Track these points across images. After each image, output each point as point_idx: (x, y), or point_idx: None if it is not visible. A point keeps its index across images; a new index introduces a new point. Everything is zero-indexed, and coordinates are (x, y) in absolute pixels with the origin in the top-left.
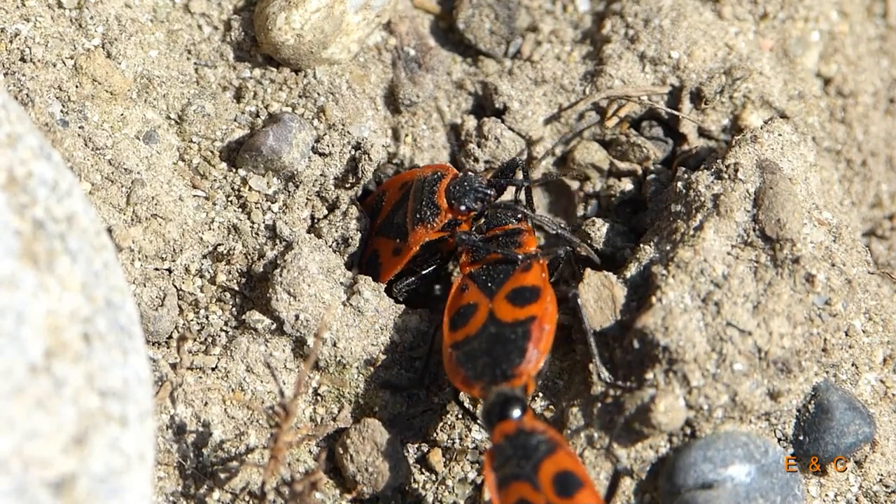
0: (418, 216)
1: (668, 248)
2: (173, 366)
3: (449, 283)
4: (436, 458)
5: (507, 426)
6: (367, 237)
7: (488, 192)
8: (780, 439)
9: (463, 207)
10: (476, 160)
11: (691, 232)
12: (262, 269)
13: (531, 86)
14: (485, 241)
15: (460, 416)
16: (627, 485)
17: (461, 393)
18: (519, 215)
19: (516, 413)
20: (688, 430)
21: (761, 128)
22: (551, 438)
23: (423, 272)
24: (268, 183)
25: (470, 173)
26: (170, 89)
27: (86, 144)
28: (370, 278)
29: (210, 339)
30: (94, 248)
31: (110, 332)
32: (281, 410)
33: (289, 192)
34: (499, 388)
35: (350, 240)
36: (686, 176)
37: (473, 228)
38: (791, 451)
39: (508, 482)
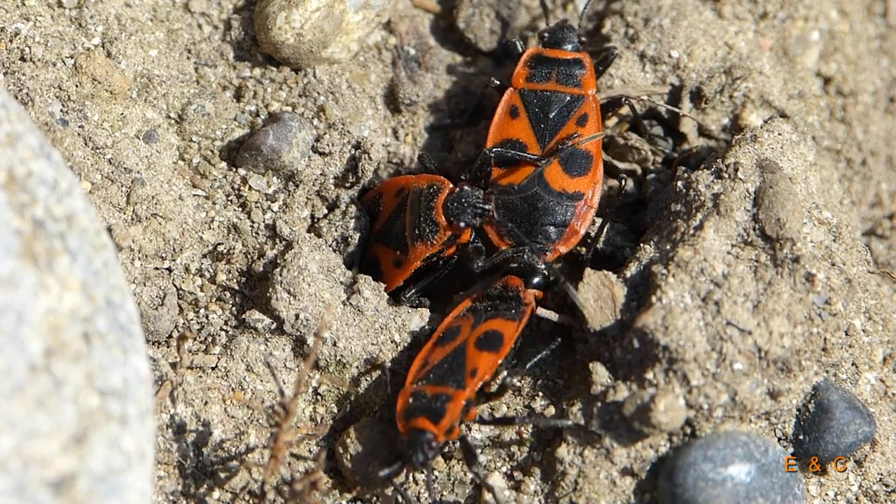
0: (417, 232)
1: (668, 247)
2: (173, 365)
3: (454, 286)
4: (435, 458)
5: (513, 281)
6: (366, 237)
7: (486, 207)
8: (780, 439)
9: (462, 224)
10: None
11: (691, 231)
12: (261, 269)
13: None
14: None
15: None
16: (627, 484)
17: None
18: (579, 37)
19: (536, 281)
20: (688, 430)
21: (761, 127)
22: (523, 312)
23: (431, 279)
24: (268, 182)
25: (466, 188)
26: (170, 89)
27: (86, 144)
28: (370, 277)
29: (210, 339)
30: (93, 247)
31: (110, 332)
32: (281, 410)
33: (289, 191)
34: (528, 255)
35: (350, 239)
36: (686, 175)
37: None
38: (791, 450)
39: (465, 315)
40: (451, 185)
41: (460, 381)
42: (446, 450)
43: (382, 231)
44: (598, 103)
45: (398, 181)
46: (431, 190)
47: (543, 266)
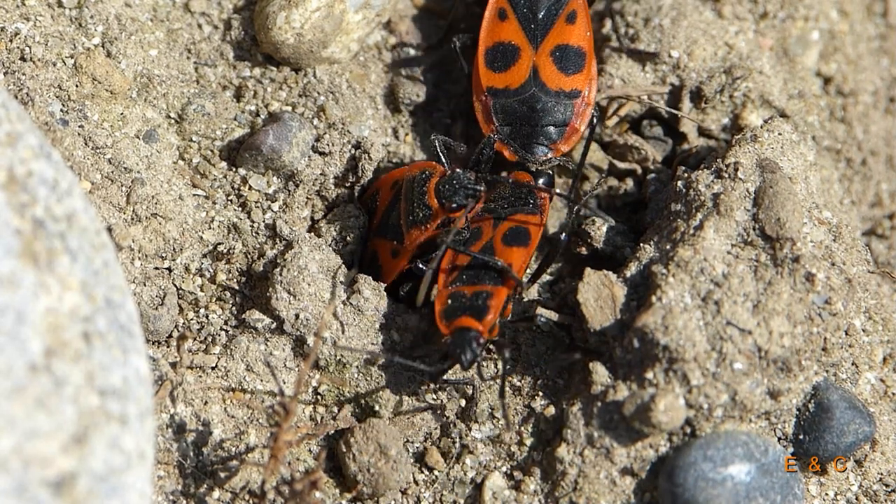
0: (411, 218)
1: (668, 247)
2: (173, 365)
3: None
4: (435, 458)
5: (522, 176)
6: (365, 236)
7: (478, 187)
8: (780, 438)
9: (454, 206)
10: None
11: (691, 231)
12: (262, 269)
13: None
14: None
15: (460, 415)
16: (627, 484)
17: None
18: None
19: (542, 181)
20: (688, 430)
21: (761, 127)
22: (542, 206)
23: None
24: (268, 182)
25: (458, 170)
26: (170, 88)
27: (86, 143)
28: (370, 277)
29: (210, 339)
30: (93, 247)
31: (110, 331)
32: (281, 409)
33: (289, 191)
34: (532, 157)
35: (349, 238)
36: (686, 175)
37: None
38: (791, 450)
39: (482, 216)
40: (443, 169)
41: (497, 278)
42: (446, 450)
43: (380, 225)
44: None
45: (393, 175)
46: (423, 175)
47: (539, 165)
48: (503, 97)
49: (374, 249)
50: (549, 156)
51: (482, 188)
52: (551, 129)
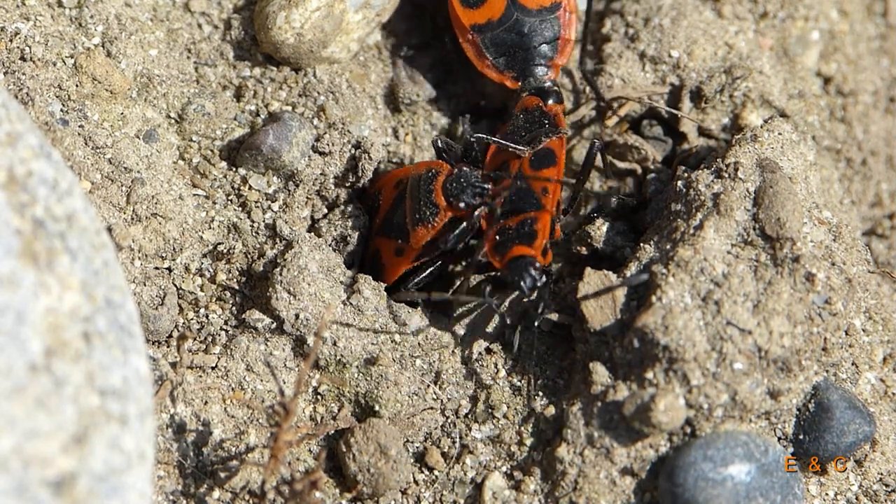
0: (418, 216)
1: (668, 247)
2: (173, 365)
3: (453, 281)
4: (435, 458)
5: (531, 101)
6: (366, 236)
7: (485, 186)
8: (780, 438)
9: (462, 205)
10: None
11: (691, 231)
12: (262, 268)
13: None
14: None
15: (460, 415)
16: (627, 484)
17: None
18: None
19: (551, 101)
20: (688, 430)
21: (761, 127)
22: (558, 124)
23: (430, 269)
24: (268, 182)
25: (465, 169)
26: (170, 88)
27: (86, 143)
28: (370, 277)
29: (210, 338)
30: (93, 246)
31: (110, 331)
32: (281, 409)
33: (289, 191)
34: (533, 79)
35: (349, 238)
36: (686, 175)
37: None
38: (791, 450)
39: (499, 153)
40: (449, 168)
41: (536, 203)
42: (446, 450)
43: (383, 224)
44: None
45: (396, 173)
46: (430, 174)
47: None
48: (488, 30)
49: (377, 248)
50: (550, 74)
51: (489, 187)
52: (544, 47)
